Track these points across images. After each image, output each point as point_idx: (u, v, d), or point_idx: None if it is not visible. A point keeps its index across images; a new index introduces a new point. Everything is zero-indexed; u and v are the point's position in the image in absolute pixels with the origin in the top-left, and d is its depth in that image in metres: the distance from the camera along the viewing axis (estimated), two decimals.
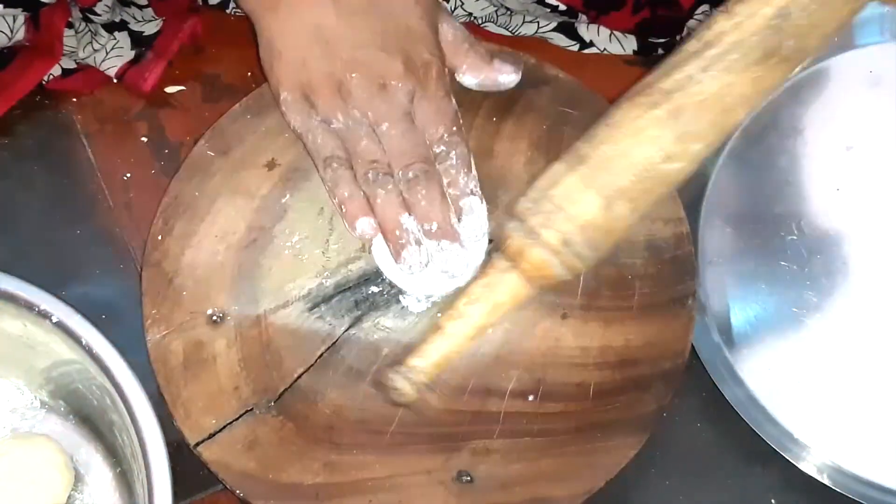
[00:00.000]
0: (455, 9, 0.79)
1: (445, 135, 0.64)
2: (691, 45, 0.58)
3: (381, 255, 0.68)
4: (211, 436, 0.66)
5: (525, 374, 0.69)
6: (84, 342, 0.61)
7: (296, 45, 0.62)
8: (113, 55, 0.77)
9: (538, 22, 0.81)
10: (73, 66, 0.77)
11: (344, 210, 0.65)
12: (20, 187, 0.76)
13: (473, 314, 0.60)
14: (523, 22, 0.81)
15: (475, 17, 0.81)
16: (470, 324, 0.60)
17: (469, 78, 0.69)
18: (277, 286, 0.69)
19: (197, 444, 0.65)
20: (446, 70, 0.66)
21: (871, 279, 0.76)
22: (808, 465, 0.71)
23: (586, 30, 0.81)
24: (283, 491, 0.65)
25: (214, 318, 0.68)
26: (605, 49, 0.82)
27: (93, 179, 0.76)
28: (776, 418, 0.72)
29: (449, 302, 0.62)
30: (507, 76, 0.69)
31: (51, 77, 0.77)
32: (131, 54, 0.78)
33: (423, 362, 0.60)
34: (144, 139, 0.78)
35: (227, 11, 0.80)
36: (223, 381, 0.67)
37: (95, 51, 0.77)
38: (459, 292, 0.63)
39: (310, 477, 0.65)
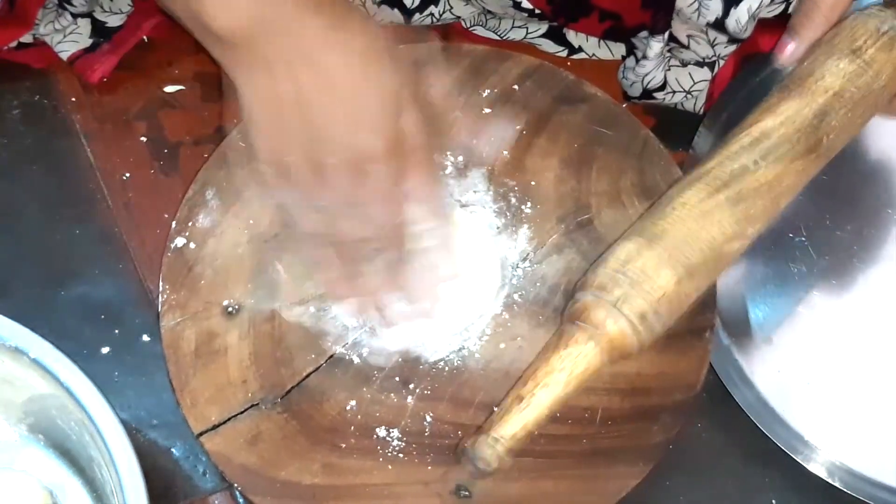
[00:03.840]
0: (444, 12, 0.79)
1: (427, 214, 0.62)
2: (743, 139, 0.65)
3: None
4: (215, 427, 0.66)
5: None
6: (62, 379, 0.59)
7: (271, 118, 0.58)
8: (69, 39, 0.77)
9: (527, 27, 0.80)
10: (30, 40, 0.77)
11: (330, 289, 0.65)
12: (20, 187, 0.77)
13: (553, 385, 0.61)
14: (512, 27, 0.81)
15: (463, 20, 0.81)
16: (551, 395, 0.61)
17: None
18: (295, 283, 0.69)
19: (200, 434, 0.66)
20: (426, 137, 0.62)
21: (879, 280, 0.76)
22: (818, 467, 0.71)
23: (574, 35, 0.81)
24: (281, 488, 0.65)
25: (230, 309, 0.69)
26: (593, 54, 0.82)
27: (92, 179, 0.77)
28: (786, 420, 0.72)
29: (529, 372, 0.63)
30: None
31: (5, 47, 0.77)
32: (88, 42, 0.78)
33: (508, 432, 0.61)
34: (144, 139, 0.78)
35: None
36: (232, 373, 0.67)
37: (56, 30, 0.77)
38: (539, 362, 0.62)
39: (308, 477, 0.66)
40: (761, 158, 0.64)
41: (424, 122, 0.60)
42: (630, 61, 0.79)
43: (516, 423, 0.61)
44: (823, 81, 0.66)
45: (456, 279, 0.66)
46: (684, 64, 0.77)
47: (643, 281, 0.61)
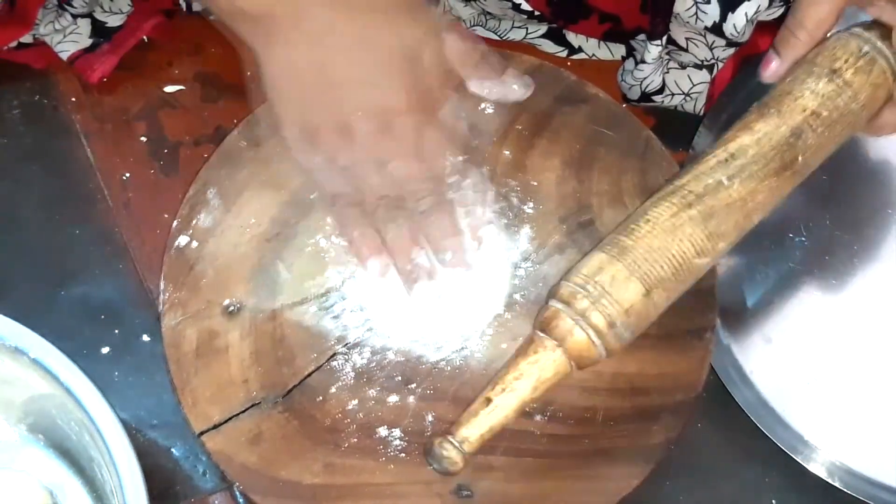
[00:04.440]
0: (443, 12, 0.79)
1: (458, 163, 0.63)
2: (719, 154, 0.65)
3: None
4: (216, 426, 0.66)
5: None
6: (62, 379, 0.60)
7: (294, 84, 0.60)
8: (69, 39, 0.78)
9: (527, 28, 0.81)
10: (30, 40, 0.77)
11: (354, 249, 0.64)
12: (20, 187, 0.77)
13: (520, 389, 0.63)
14: (512, 27, 0.81)
15: (463, 21, 0.81)
16: (517, 398, 0.63)
17: (477, 86, 0.67)
18: (296, 282, 0.69)
19: (201, 434, 0.66)
20: (456, 94, 0.64)
21: (880, 280, 0.76)
22: (818, 467, 0.71)
23: (574, 36, 0.81)
24: (282, 488, 0.65)
25: (231, 308, 0.69)
26: (593, 55, 0.82)
27: (92, 179, 0.77)
28: (786, 420, 0.72)
29: (499, 376, 0.64)
30: (516, 90, 0.67)
31: (5, 47, 0.77)
32: (88, 42, 0.78)
33: (473, 434, 0.62)
34: (143, 139, 0.78)
35: (211, 18, 0.80)
36: (233, 372, 0.67)
37: (56, 30, 0.77)
38: (509, 367, 0.63)
39: (309, 476, 0.65)
40: (735, 175, 0.64)
41: (445, 79, 0.62)
42: (629, 64, 0.79)
43: (482, 425, 0.62)
44: (801, 100, 0.66)
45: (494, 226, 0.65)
46: (683, 66, 0.77)
47: (611, 292, 0.62)
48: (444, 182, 0.63)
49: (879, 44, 0.67)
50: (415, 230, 0.63)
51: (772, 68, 0.68)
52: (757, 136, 0.65)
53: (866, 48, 0.67)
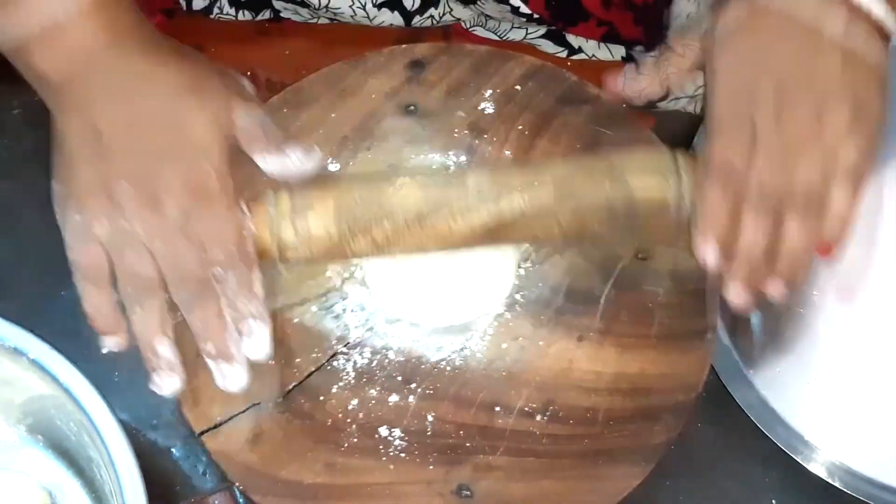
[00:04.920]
0: (444, 14, 0.80)
1: (223, 254, 0.58)
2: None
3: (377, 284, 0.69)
4: (216, 426, 0.66)
5: (535, 394, 0.68)
6: (61, 380, 0.60)
7: (74, 145, 0.58)
8: None
9: (526, 28, 0.81)
10: None
11: (92, 325, 0.60)
12: (20, 187, 0.77)
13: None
14: (512, 27, 0.81)
15: (463, 21, 0.81)
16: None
17: (262, 162, 0.61)
18: (296, 283, 0.69)
19: (201, 433, 0.66)
20: (231, 183, 0.59)
21: (880, 279, 0.76)
22: (818, 467, 0.71)
23: (574, 37, 0.81)
24: (283, 488, 0.65)
25: None
26: (593, 55, 0.82)
27: None
28: (786, 420, 0.72)
29: None
30: (296, 162, 0.60)
31: None
32: None
33: None
34: None
35: (212, 17, 0.80)
36: None
37: None
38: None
39: (310, 476, 0.65)
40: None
41: (226, 166, 0.58)
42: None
43: None
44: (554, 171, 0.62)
45: (257, 321, 0.59)
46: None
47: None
48: (206, 269, 0.58)
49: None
50: (164, 318, 0.59)
51: (620, 83, 0.66)
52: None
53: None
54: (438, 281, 0.70)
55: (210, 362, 0.59)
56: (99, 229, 0.57)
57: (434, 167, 0.73)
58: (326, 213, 0.60)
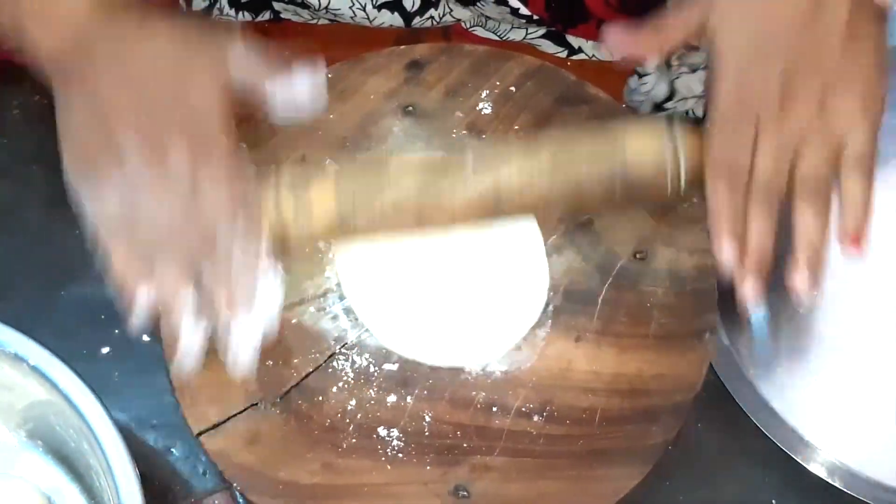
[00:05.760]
0: (444, 15, 0.80)
1: (228, 204, 0.59)
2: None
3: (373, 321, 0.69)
4: (215, 426, 0.66)
5: (533, 394, 0.68)
6: (61, 387, 0.60)
7: (79, 116, 0.59)
8: None
9: (526, 28, 0.80)
10: None
11: (119, 283, 0.60)
12: (20, 187, 0.77)
13: None
14: (511, 28, 0.81)
15: (463, 22, 0.81)
16: None
17: (271, 88, 0.61)
18: (295, 283, 0.70)
19: (200, 434, 0.66)
20: (233, 131, 0.60)
21: (880, 278, 0.76)
22: (818, 467, 0.71)
23: (574, 37, 0.81)
24: (281, 488, 0.65)
25: None
26: (593, 55, 0.82)
27: None
28: (786, 420, 0.72)
29: None
30: (304, 77, 0.61)
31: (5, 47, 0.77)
32: None
33: None
34: None
35: (211, 18, 0.80)
36: None
37: None
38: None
39: (308, 477, 0.66)
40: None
41: (228, 118, 0.60)
42: (633, 82, 0.79)
43: None
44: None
45: (267, 272, 0.61)
46: (694, 70, 0.77)
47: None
48: (213, 221, 0.59)
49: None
50: (182, 268, 0.59)
51: (619, 38, 0.63)
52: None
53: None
54: (444, 316, 0.70)
55: (223, 316, 0.59)
56: (112, 187, 0.59)
57: None
58: (327, 193, 0.62)
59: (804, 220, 0.59)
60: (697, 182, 0.61)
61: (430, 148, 0.74)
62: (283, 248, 0.62)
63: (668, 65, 0.75)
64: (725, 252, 0.59)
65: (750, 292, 0.60)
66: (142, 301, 0.59)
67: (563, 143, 0.63)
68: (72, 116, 0.59)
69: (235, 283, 0.59)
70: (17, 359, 0.61)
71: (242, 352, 0.59)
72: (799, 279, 0.60)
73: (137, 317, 0.59)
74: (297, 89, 0.60)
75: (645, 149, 0.62)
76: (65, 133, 0.60)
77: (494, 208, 0.63)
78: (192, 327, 0.59)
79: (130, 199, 0.59)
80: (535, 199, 0.63)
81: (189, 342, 0.59)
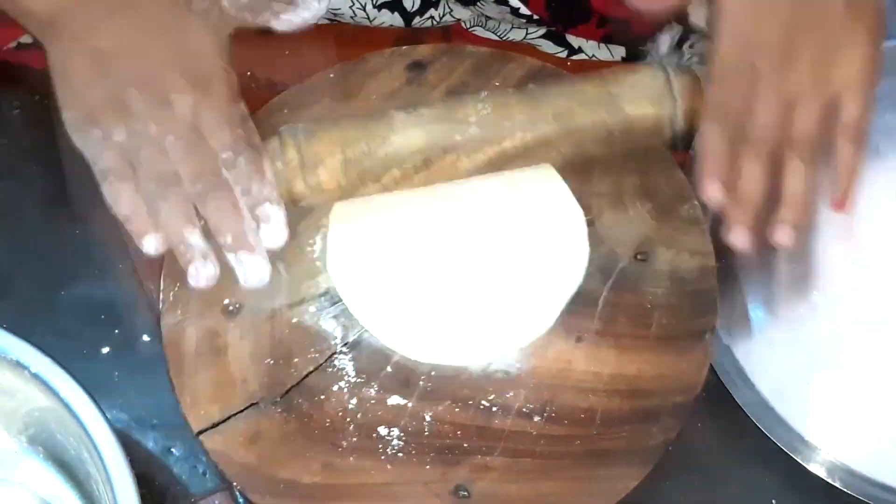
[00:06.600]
0: (444, 15, 0.80)
1: (231, 139, 0.61)
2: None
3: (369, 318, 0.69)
4: (214, 426, 0.66)
5: (533, 395, 0.68)
6: (61, 395, 0.60)
7: (78, 69, 0.60)
8: None
9: (526, 28, 0.80)
10: (29, 40, 0.77)
11: (129, 228, 0.61)
12: (20, 187, 0.77)
13: None
14: (511, 28, 0.81)
15: (463, 22, 0.81)
16: None
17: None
18: (295, 282, 0.70)
19: (200, 433, 0.66)
20: (233, 77, 0.62)
21: (879, 278, 0.76)
22: (818, 467, 0.71)
23: (574, 37, 0.81)
24: (281, 488, 0.65)
25: (230, 307, 0.69)
26: (593, 56, 0.82)
27: (92, 179, 0.76)
28: (786, 420, 0.72)
29: None
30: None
31: (5, 47, 0.77)
32: None
33: None
34: None
35: None
36: (232, 372, 0.67)
37: None
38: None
39: (308, 476, 0.66)
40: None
41: (223, 50, 0.62)
42: None
43: None
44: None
45: (272, 205, 0.62)
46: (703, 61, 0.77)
47: None
48: (217, 160, 0.61)
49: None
50: (189, 209, 0.60)
51: None
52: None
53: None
54: (446, 315, 0.70)
55: (230, 257, 0.60)
56: (117, 136, 0.60)
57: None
58: (335, 166, 0.64)
59: (791, 175, 0.60)
60: (695, 127, 0.64)
61: None
62: (290, 199, 0.64)
63: (678, 50, 0.75)
64: (713, 189, 0.61)
65: (740, 241, 0.61)
66: (149, 245, 0.60)
67: (566, 105, 0.66)
68: (70, 71, 0.60)
69: (239, 222, 0.60)
70: (19, 365, 0.61)
71: (252, 277, 0.61)
72: (782, 233, 0.61)
73: (147, 254, 0.60)
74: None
75: (643, 94, 0.65)
76: (64, 89, 0.61)
77: (498, 169, 0.66)
78: (201, 265, 0.60)
79: (134, 144, 0.60)
80: (538, 143, 0.65)
81: (199, 276, 0.60)
